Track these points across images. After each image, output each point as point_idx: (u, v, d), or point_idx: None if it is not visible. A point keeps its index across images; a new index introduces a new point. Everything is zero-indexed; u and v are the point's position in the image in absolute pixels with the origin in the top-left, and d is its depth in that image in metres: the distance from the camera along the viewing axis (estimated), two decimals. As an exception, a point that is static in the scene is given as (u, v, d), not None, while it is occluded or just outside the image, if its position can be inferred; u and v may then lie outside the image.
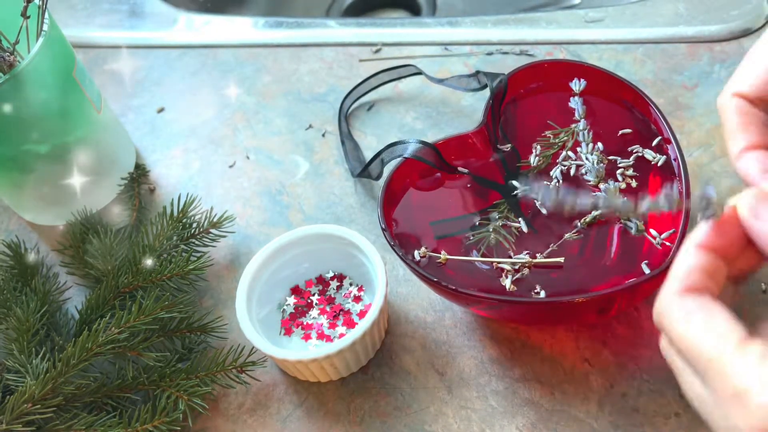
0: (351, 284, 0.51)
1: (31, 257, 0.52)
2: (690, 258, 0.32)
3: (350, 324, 0.48)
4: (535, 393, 0.45)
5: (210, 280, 0.53)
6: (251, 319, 0.46)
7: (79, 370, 0.43)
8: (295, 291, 0.51)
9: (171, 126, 0.64)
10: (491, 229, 0.49)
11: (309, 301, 0.50)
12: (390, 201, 0.49)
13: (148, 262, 0.49)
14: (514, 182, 0.48)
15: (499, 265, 0.47)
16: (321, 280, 0.51)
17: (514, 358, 0.47)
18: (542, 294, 0.46)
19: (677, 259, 0.32)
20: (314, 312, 0.50)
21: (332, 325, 0.49)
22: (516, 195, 0.49)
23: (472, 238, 0.50)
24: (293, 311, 0.50)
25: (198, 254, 0.51)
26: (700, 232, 0.32)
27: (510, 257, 0.48)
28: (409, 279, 0.51)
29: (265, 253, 0.48)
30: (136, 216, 0.56)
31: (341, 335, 0.48)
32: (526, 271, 0.47)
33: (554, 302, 0.44)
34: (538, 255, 0.48)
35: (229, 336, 0.50)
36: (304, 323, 0.49)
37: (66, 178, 0.54)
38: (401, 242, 0.46)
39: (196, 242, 0.52)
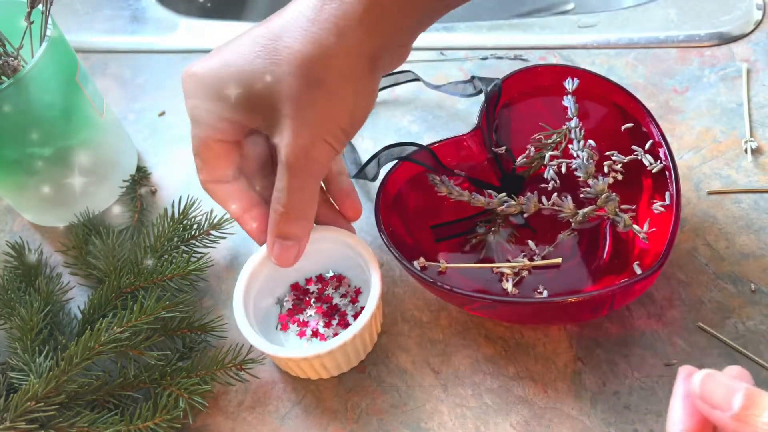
0: (349, 285, 0.51)
1: (35, 258, 0.53)
2: None
3: (345, 325, 0.49)
4: (528, 391, 0.46)
5: (210, 281, 0.54)
6: (248, 317, 0.47)
7: (82, 369, 0.44)
8: (295, 288, 0.52)
9: (172, 129, 0.64)
10: (486, 231, 0.50)
11: (307, 299, 0.51)
12: (387, 203, 0.49)
13: (150, 262, 0.50)
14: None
15: (499, 269, 0.48)
16: (321, 279, 0.52)
17: (508, 356, 0.47)
18: (545, 294, 0.47)
19: None
20: (311, 310, 0.50)
21: (327, 324, 0.49)
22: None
23: (468, 239, 0.51)
24: (291, 307, 0.51)
25: (198, 255, 0.52)
26: (676, 418, 0.33)
27: (508, 260, 0.49)
28: (405, 279, 0.52)
29: (264, 253, 0.49)
30: (137, 217, 0.57)
31: (335, 335, 0.48)
32: (524, 273, 0.47)
33: (548, 302, 0.45)
34: (534, 257, 0.49)
35: (229, 335, 0.51)
36: (301, 320, 0.50)
37: (68, 180, 0.55)
38: (397, 243, 0.47)
39: (197, 243, 0.53)
